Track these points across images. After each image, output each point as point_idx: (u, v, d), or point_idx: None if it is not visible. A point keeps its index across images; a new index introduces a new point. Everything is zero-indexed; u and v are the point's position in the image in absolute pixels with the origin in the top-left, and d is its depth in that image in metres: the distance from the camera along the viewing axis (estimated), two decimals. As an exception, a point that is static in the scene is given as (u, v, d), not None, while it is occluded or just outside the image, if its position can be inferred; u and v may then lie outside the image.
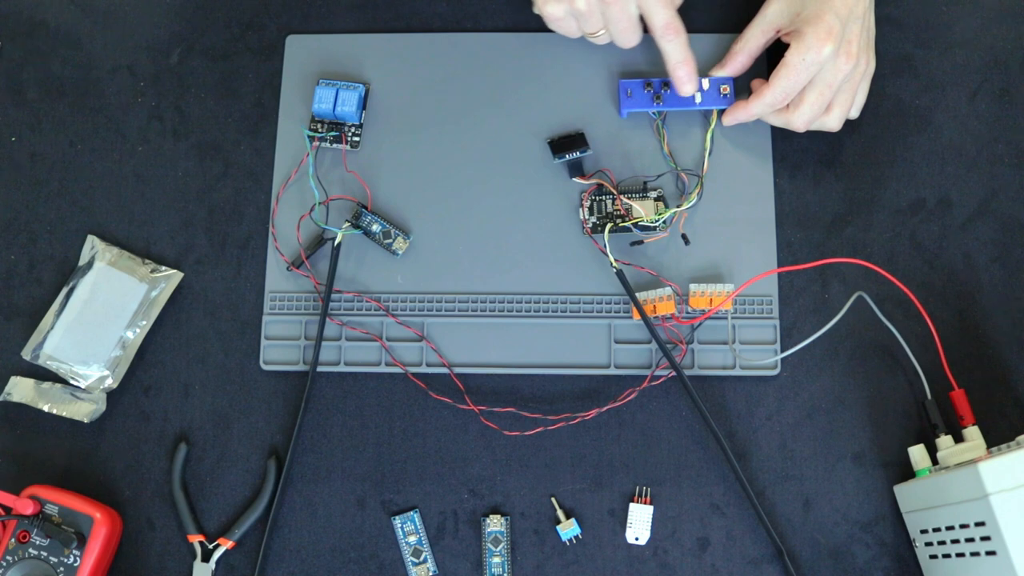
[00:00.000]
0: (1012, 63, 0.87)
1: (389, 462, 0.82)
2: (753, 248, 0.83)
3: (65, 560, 0.76)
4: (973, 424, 0.77)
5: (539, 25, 0.87)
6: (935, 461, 0.77)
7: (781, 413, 0.82)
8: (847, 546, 0.79)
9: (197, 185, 0.87)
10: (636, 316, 0.81)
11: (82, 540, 0.77)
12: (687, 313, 0.82)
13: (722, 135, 0.85)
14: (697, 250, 0.83)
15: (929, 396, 0.79)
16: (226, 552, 0.81)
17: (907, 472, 0.79)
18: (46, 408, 0.82)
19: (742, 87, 0.85)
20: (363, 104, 0.86)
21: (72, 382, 0.83)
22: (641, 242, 0.83)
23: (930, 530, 0.75)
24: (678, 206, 0.83)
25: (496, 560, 0.80)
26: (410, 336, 0.83)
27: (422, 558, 0.80)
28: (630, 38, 0.82)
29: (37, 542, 0.77)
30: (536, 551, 0.80)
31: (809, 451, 0.81)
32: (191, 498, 0.82)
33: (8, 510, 0.76)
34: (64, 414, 0.82)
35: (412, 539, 0.80)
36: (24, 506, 0.76)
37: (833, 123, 0.81)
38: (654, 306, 0.81)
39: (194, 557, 0.81)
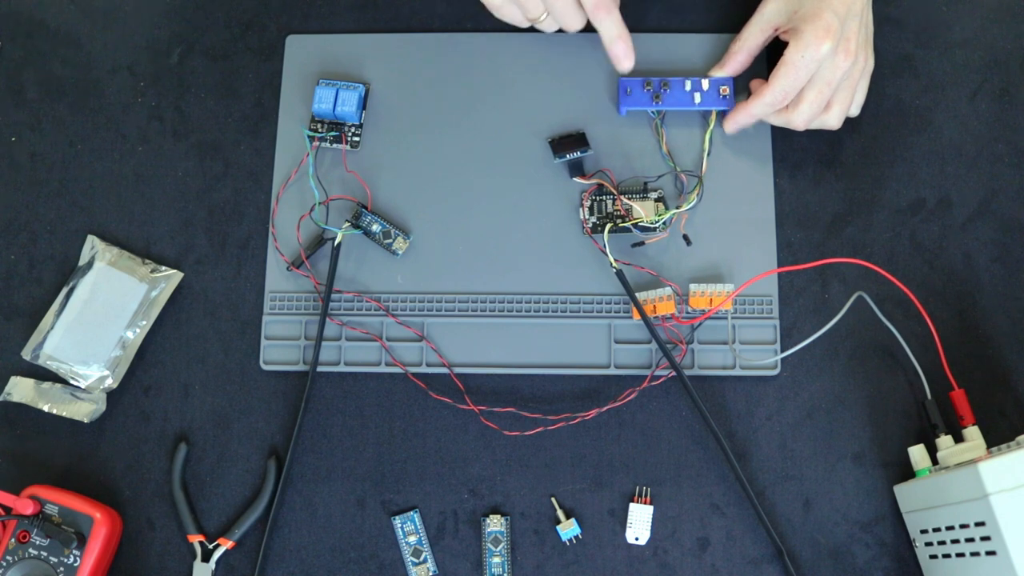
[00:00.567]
0: (1012, 63, 0.87)
1: (389, 462, 0.82)
2: (753, 248, 0.83)
3: (65, 560, 0.76)
4: (973, 424, 0.77)
5: (539, 25, 0.87)
6: (935, 461, 0.77)
7: (781, 413, 0.82)
8: (847, 546, 0.79)
9: (197, 185, 0.87)
10: (636, 316, 0.81)
11: (82, 540, 0.77)
12: (687, 313, 0.82)
13: (721, 135, 0.85)
14: (697, 250, 0.83)
15: (929, 396, 0.79)
16: (226, 552, 0.81)
17: (907, 472, 0.79)
18: (46, 408, 0.82)
19: (741, 87, 0.85)
20: (363, 104, 0.86)
21: (72, 382, 0.83)
22: (642, 243, 0.83)
23: (930, 530, 0.75)
24: (677, 207, 0.83)
25: (496, 560, 0.80)
26: (410, 336, 0.83)
27: (422, 558, 0.80)
28: (573, 21, 0.82)
29: (37, 542, 0.77)
30: (536, 551, 0.80)
31: (809, 451, 0.81)
32: (191, 498, 0.82)
33: (8, 510, 0.76)
34: (64, 414, 0.82)
35: (412, 539, 0.80)
36: (24, 506, 0.76)
37: (833, 121, 0.81)
38: (654, 306, 0.81)
39: (194, 557, 0.81)
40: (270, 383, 0.83)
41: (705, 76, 0.84)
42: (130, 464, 0.82)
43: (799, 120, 0.80)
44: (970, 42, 0.87)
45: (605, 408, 0.81)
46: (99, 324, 0.83)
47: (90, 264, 0.84)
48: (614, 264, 0.80)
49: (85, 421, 0.82)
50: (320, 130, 0.86)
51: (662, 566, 0.80)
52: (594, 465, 0.81)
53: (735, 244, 0.83)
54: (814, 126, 0.81)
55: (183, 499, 0.81)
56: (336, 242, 0.83)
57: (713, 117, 0.84)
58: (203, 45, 0.90)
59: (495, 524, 0.80)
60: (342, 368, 0.83)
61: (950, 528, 0.72)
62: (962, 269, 0.83)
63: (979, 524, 0.68)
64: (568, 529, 0.80)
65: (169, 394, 0.83)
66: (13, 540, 0.77)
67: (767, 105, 0.80)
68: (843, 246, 0.84)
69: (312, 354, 0.82)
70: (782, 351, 0.81)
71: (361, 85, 0.86)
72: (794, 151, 0.85)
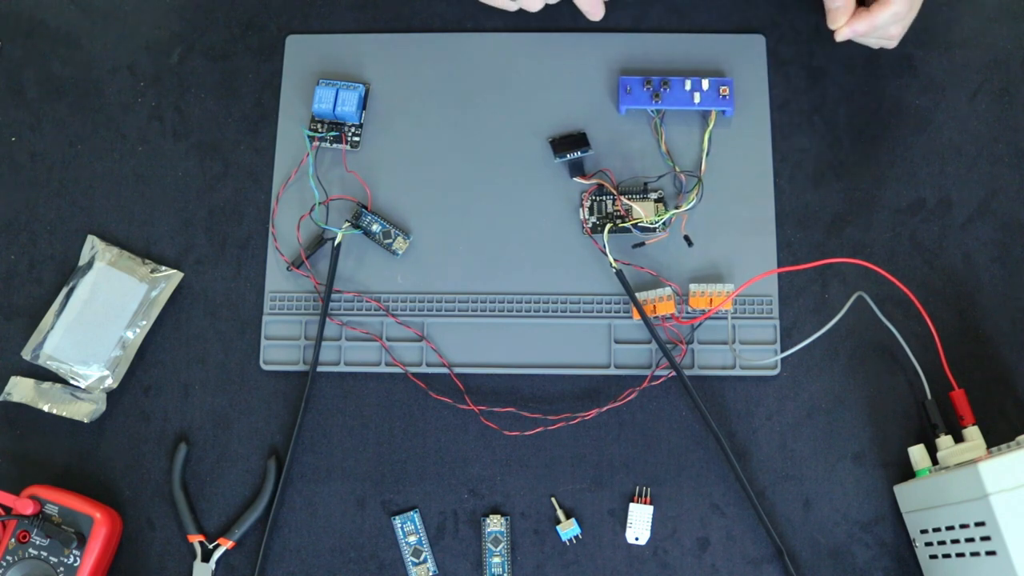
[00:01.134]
0: (1012, 63, 0.87)
1: (389, 462, 0.82)
2: (753, 248, 0.83)
3: (65, 560, 0.76)
4: (973, 424, 0.77)
5: (539, 25, 0.87)
6: (935, 461, 0.77)
7: (781, 413, 0.82)
8: (847, 546, 0.79)
9: (197, 185, 0.87)
10: (636, 316, 0.81)
11: (82, 540, 0.77)
12: (687, 313, 0.82)
13: (721, 135, 0.85)
14: (697, 250, 0.83)
15: (929, 396, 0.79)
16: (226, 552, 0.81)
17: (907, 472, 0.79)
18: (46, 408, 0.82)
19: (741, 87, 0.85)
20: (363, 104, 0.86)
21: (72, 382, 0.83)
22: (643, 244, 0.83)
23: (930, 530, 0.75)
24: (677, 207, 0.83)
25: (496, 560, 0.80)
26: (410, 336, 0.83)
27: (422, 558, 0.80)
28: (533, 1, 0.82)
29: (37, 542, 0.77)
30: (536, 551, 0.80)
31: (809, 451, 0.81)
32: (191, 498, 0.82)
33: (8, 510, 0.76)
34: (64, 414, 0.82)
35: (412, 539, 0.80)
36: (24, 506, 0.76)
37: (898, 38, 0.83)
38: (654, 306, 0.81)
39: (194, 557, 0.81)
40: (270, 383, 0.83)
41: (705, 77, 0.84)
42: (130, 464, 0.82)
43: (898, 31, 0.81)
44: (970, 42, 0.87)
45: (605, 408, 0.81)
46: (99, 324, 0.83)
47: (90, 264, 0.84)
48: (614, 264, 0.80)
49: (85, 421, 0.82)
50: (320, 130, 0.86)
51: (662, 566, 0.80)
52: (594, 465, 0.81)
53: (735, 244, 0.83)
54: (880, 45, 0.83)
55: (183, 499, 0.81)
56: (336, 242, 0.83)
57: (713, 117, 0.84)
58: (203, 45, 0.90)
59: (495, 524, 0.80)
60: (342, 368, 0.83)
61: (950, 528, 0.72)
62: (962, 269, 0.83)
63: (979, 524, 0.68)
64: (568, 529, 0.80)
65: (169, 394, 0.83)
66: (13, 540, 0.77)
67: (893, 15, 0.79)
68: (843, 246, 0.84)
69: (312, 354, 0.82)
70: (782, 351, 0.81)
71: (361, 85, 0.86)
72: (794, 151, 0.85)
